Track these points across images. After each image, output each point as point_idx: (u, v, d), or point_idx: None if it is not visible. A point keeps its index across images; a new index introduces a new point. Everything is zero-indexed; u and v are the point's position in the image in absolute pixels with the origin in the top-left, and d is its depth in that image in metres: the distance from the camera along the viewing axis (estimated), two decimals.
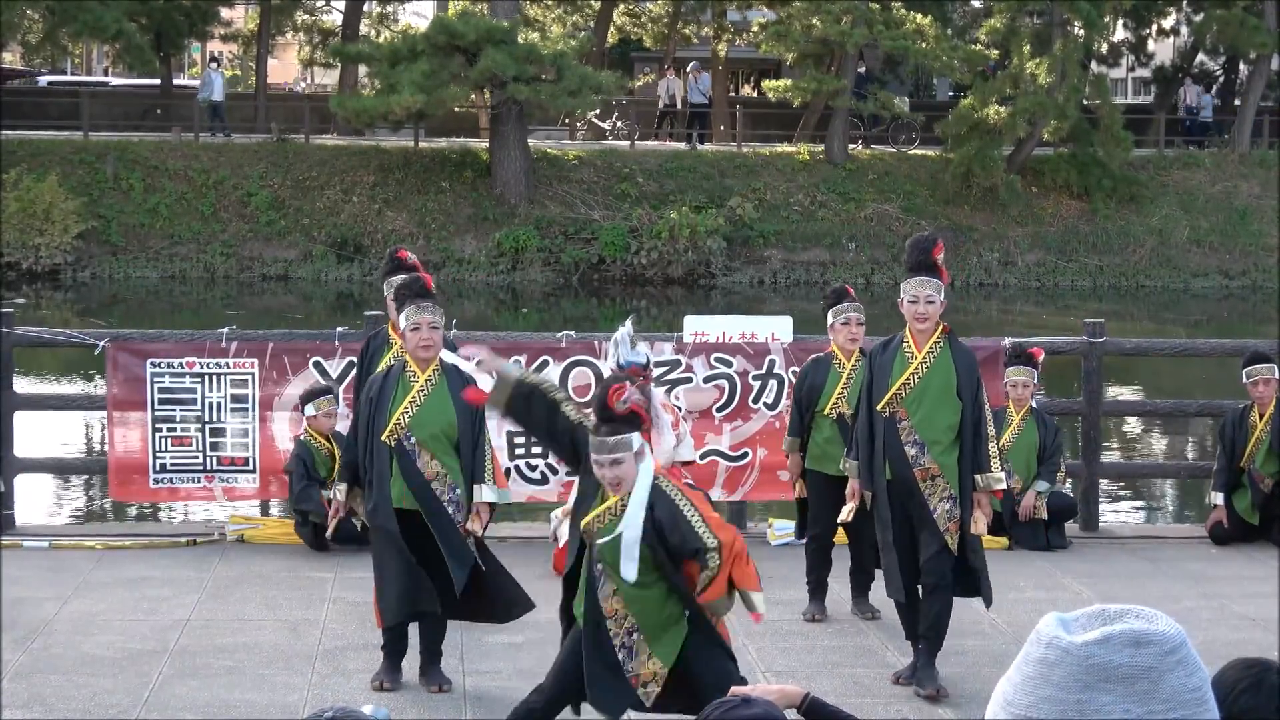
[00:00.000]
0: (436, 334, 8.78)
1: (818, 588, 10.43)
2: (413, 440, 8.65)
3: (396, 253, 10.52)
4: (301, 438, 11.99)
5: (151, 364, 12.26)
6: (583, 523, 7.13)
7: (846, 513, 9.42)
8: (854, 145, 43.98)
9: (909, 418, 8.89)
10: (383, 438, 8.66)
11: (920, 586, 8.94)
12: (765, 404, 12.68)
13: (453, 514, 8.66)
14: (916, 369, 8.89)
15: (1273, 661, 3.54)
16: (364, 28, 53.77)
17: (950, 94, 55.84)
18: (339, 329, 12.80)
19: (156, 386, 12.25)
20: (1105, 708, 1.98)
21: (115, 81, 51.19)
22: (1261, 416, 12.78)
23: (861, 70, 44.97)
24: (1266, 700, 3.34)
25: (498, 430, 12.45)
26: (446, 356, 8.86)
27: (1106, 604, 2.11)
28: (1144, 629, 2.01)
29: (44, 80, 54.91)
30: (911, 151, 44.34)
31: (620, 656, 7.15)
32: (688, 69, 48.67)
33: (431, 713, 8.49)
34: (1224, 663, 3.88)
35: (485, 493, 8.75)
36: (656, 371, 12.01)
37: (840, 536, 10.45)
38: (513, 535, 12.45)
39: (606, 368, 11.94)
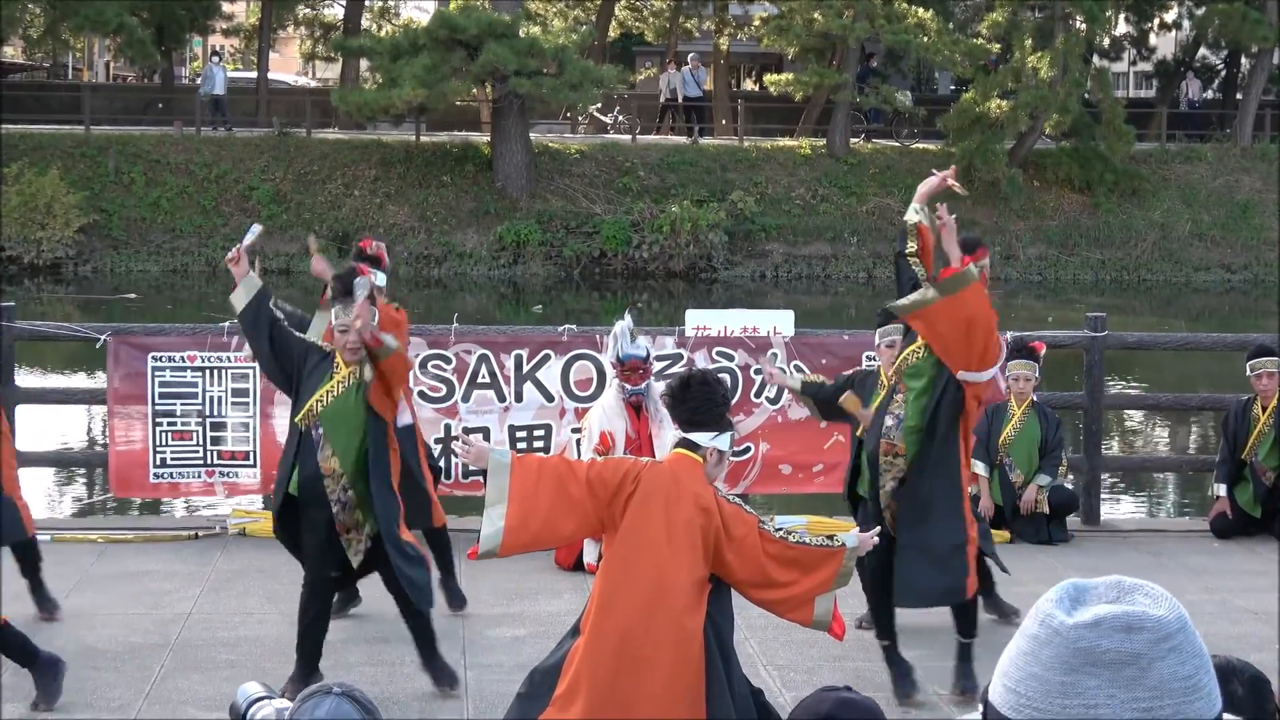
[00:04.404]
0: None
1: None
2: (320, 431, 8.59)
3: (360, 242, 10.46)
4: None
5: (153, 358, 12.25)
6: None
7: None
8: (855, 139, 43.97)
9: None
10: (295, 420, 8.68)
11: None
12: (767, 398, 12.68)
13: (336, 513, 8.55)
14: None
15: (1235, 667, 3.66)
16: (365, 22, 53.77)
17: (952, 88, 55.83)
18: None
19: (157, 380, 12.24)
20: (1089, 692, 1.99)
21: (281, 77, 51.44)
22: (1265, 409, 12.79)
23: (875, 65, 44.95)
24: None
25: (499, 424, 12.46)
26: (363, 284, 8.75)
27: (1124, 577, 2.10)
28: (1139, 614, 2.01)
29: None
30: (913, 145, 44.32)
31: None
32: (689, 59, 48.64)
33: (433, 707, 8.49)
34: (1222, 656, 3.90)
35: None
36: (658, 365, 12.01)
37: None
38: None
39: (607, 361, 11.95)
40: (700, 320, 12.95)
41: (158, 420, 12.24)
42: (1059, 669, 2.01)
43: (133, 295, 33.82)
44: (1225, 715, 2.07)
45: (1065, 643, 2.01)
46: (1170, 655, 2.00)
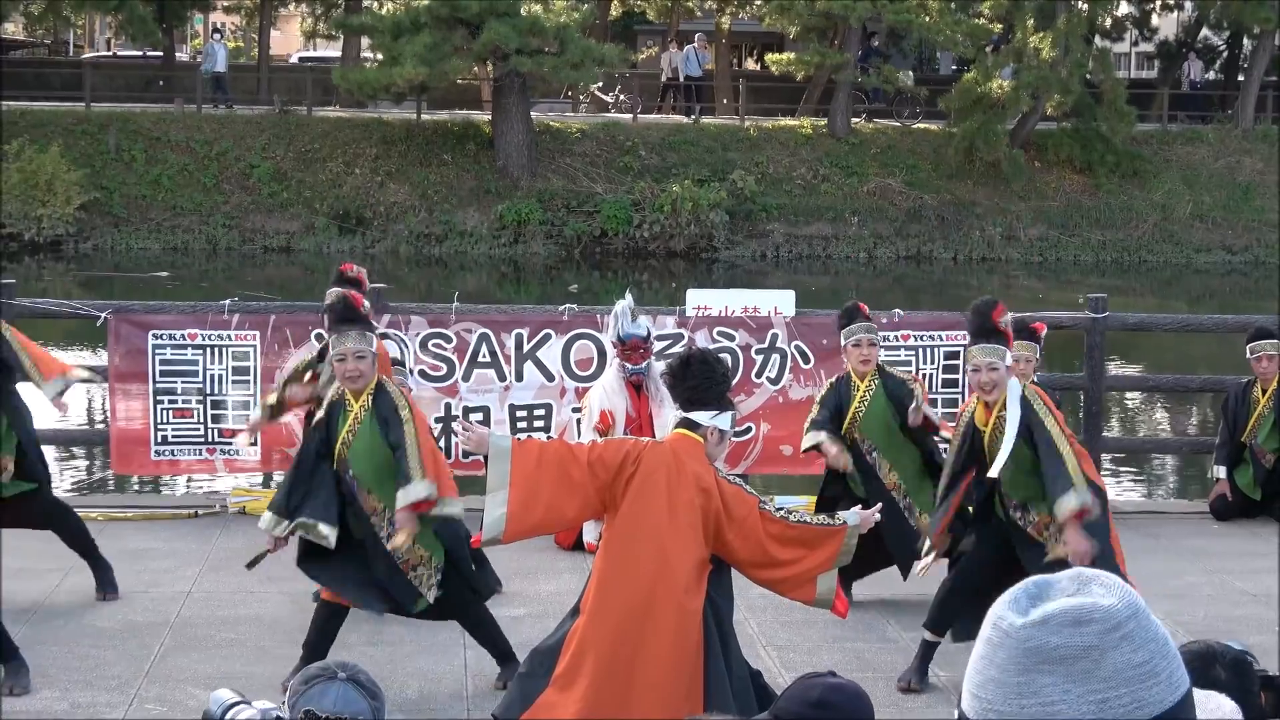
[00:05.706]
0: (363, 363, 8.20)
1: None
2: (351, 474, 8.27)
3: (341, 266, 10.06)
4: None
5: (153, 336, 12.25)
6: None
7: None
8: (857, 119, 43.91)
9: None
10: (334, 466, 8.33)
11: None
12: (768, 379, 12.67)
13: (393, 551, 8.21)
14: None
15: (1217, 651, 3.71)
16: None
17: (953, 68, 55.73)
18: None
19: (158, 358, 12.25)
20: (1045, 690, 2.00)
21: None
22: (1264, 392, 12.78)
23: (876, 44, 44.90)
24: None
25: (500, 403, 12.46)
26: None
27: (1085, 569, 2.11)
28: (1087, 606, 2.02)
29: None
30: (914, 125, 44.27)
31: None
32: (695, 38, 48.51)
33: (432, 687, 8.50)
34: (1223, 640, 3.91)
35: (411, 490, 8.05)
36: (658, 345, 12.01)
37: None
38: None
39: (607, 340, 11.94)
40: (701, 300, 12.94)
41: (158, 398, 12.25)
42: (1013, 670, 2.02)
43: (165, 274, 33.81)
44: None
45: (1016, 644, 2.02)
46: (1123, 644, 2.00)
